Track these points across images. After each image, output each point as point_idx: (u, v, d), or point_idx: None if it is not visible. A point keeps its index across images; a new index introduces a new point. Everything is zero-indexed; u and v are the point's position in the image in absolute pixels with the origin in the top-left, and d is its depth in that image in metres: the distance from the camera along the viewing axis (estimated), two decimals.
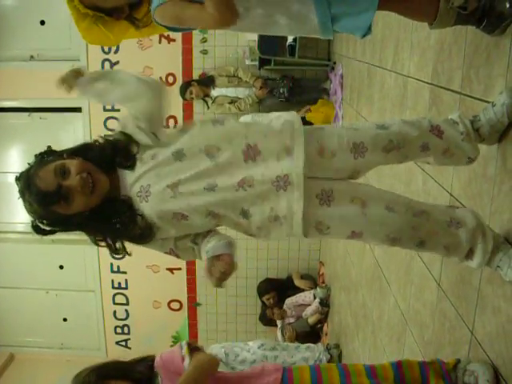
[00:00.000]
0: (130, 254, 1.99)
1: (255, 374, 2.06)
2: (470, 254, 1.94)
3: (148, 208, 1.89)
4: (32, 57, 7.10)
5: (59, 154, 1.94)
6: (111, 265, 7.71)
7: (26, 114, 7.30)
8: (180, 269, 7.62)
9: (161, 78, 7.00)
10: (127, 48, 6.88)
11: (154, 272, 7.64)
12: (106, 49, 6.91)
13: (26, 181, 1.87)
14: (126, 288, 7.87)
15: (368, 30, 2.00)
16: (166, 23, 2.06)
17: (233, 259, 1.84)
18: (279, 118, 1.97)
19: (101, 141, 2.01)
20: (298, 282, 7.13)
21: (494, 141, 2.00)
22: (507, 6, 1.87)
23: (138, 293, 7.84)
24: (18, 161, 7.18)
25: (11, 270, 7.81)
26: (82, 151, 1.97)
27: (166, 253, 2.06)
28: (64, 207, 1.85)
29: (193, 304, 7.83)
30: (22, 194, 1.88)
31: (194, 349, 2.08)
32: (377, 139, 1.91)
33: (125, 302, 7.96)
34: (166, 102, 2.07)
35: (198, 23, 2.03)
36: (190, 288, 7.75)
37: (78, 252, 7.67)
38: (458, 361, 2.10)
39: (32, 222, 1.92)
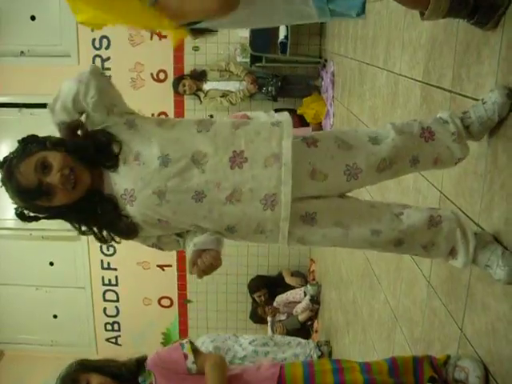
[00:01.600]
0: (118, 242, 1.99)
1: (252, 369, 2.06)
2: (453, 253, 1.95)
3: (133, 211, 1.88)
4: (22, 52, 7.07)
5: (42, 142, 1.90)
6: (101, 261, 7.69)
7: (17, 109, 7.27)
8: (171, 266, 7.62)
9: (152, 74, 7.00)
10: (118, 44, 6.87)
11: (145, 269, 7.63)
12: (98, 44, 6.89)
13: (8, 173, 1.84)
14: (117, 285, 7.85)
15: (362, 11, 1.98)
16: (171, 9, 2.01)
17: (220, 256, 1.86)
18: (268, 117, 1.97)
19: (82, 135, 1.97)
20: (288, 279, 7.14)
21: (481, 137, 2.01)
22: None
23: (128, 290, 7.83)
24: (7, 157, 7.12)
25: (1, 267, 7.78)
26: (64, 141, 1.93)
27: (148, 245, 2.06)
28: (46, 202, 1.84)
29: (183, 301, 7.83)
30: (4, 184, 1.86)
31: (195, 349, 2.07)
32: (370, 159, 1.89)
33: (115, 298, 7.95)
34: (106, 82, 1.98)
35: (199, 9, 1.96)
36: (180, 285, 7.76)
37: (68, 248, 7.65)
38: (449, 357, 2.11)
39: (16, 209, 1.90)
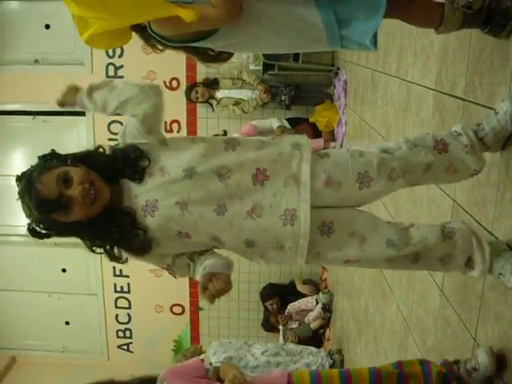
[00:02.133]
0: (125, 261, 2.02)
1: (262, 378, 2.07)
2: (470, 263, 1.93)
3: (152, 223, 1.89)
4: (37, 61, 7.13)
5: (63, 159, 1.93)
6: (114, 268, 7.71)
7: (30, 117, 7.32)
8: None
9: (164, 82, 7.02)
10: (131, 52, 6.91)
11: (157, 276, 7.62)
12: (111, 53, 6.93)
13: (28, 184, 1.85)
14: (129, 292, 7.87)
15: (373, 45, 2.01)
16: (163, 32, 2.04)
17: (230, 280, 1.86)
18: (290, 140, 1.98)
19: (109, 151, 2.00)
20: (300, 288, 7.12)
21: (498, 148, 2.00)
22: (510, 0, 1.88)
23: (140, 297, 7.84)
24: (21, 164, 7.17)
25: (13, 273, 7.82)
26: (86, 158, 1.95)
27: (162, 268, 2.08)
28: (62, 215, 1.85)
29: (195, 308, 7.83)
30: (22, 196, 1.87)
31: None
32: (381, 167, 1.90)
33: (127, 305, 7.96)
34: (162, 105, 2.09)
35: (203, 19, 1.98)
36: (192, 292, 7.75)
37: (80, 255, 7.63)
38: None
39: (28, 224, 1.91)
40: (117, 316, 8.03)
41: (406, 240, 1.92)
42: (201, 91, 6.63)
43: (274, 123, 6.43)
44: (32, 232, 1.92)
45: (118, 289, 7.85)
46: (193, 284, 7.70)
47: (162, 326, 7.83)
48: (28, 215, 1.89)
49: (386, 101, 3.95)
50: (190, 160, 1.90)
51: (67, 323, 8.19)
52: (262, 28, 2.05)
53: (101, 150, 2.01)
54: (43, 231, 1.92)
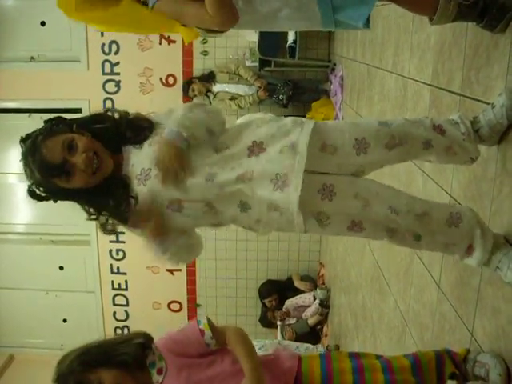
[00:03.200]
0: (119, 232, 2.04)
1: (270, 359, 1.99)
2: (469, 250, 1.93)
3: (144, 191, 1.90)
4: (32, 58, 7.10)
5: (69, 125, 1.95)
6: (111, 266, 7.71)
7: (27, 114, 7.29)
8: (180, 270, 7.62)
9: (161, 78, 7.01)
10: (127, 49, 6.90)
11: (154, 273, 7.63)
12: (107, 49, 6.92)
13: (33, 146, 1.88)
14: (126, 289, 7.87)
15: (367, 23, 2.00)
16: (168, 11, 2.06)
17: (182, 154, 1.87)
18: (294, 119, 1.97)
19: (116, 115, 2.01)
20: (298, 284, 7.13)
21: (494, 142, 2.01)
22: None
23: (137, 294, 7.84)
24: (18, 162, 7.13)
25: (11, 271, 7.80)
26: (92, 123, 1.97)
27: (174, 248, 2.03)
28: (64, 181, 1.88)
29: (193, 305, 7.83)
30: (25, 158, 1.91)
31: (212, 325, 2.01)
32: (379, 134, 1.91)
33: (125, 303, 7.96)
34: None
35: (198, 22, 2.02)
36: (190, 289, 7.76)
37: (78, 253, 7.67)
38: (468, 351, 2.07)
39: (29, 186, 1.93)
40: (115, 313, 8.02)
41: (410, 207, 1.91)
42: (197, 88, 6.61)
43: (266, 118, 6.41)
44: (31, 193, 1.94)
45: (116, 286, 7.85)
46: (190, 281, 7.70)
47: (160, 322, 7.79)
48: (29, 177, 1.91)
49: (382, 96, 3.95)
50: (187, 128, 1.92)
51: (65, 321, 8.18)
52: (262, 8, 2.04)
53: (109, 113, 2.03)
54: (42, 194, 1.94)
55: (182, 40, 6.67)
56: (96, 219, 1.98)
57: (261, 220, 1.96)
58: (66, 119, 1.99)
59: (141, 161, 1.92)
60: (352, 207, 1.88)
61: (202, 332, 1.93)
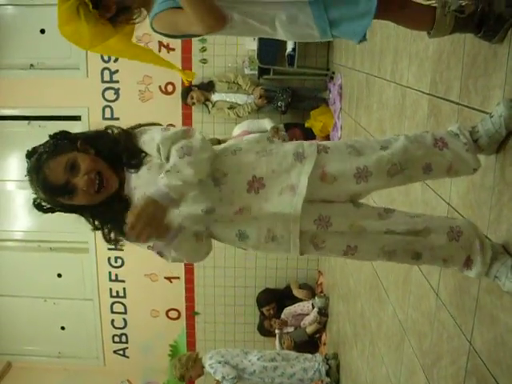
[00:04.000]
0: (121, 245, 2.03)
1: None
2: (468, 263, 1.94)
3: None
4: (32, 65, 7.12)
5: (73, 140, 1.96)
6: (109, 273, 7.69)
7: (26, 122, 7.30)
8: (178, 278, 7.62)
9: (160, 86, 7.03)
10: None
11: (153, 281, 7.62)
12: (106, 57, 6.93)
13: (36, 166, 1.89)
14: (124, 297, 7.85)
15: (364, 37, 2.01)
16: (165, 31, 2.09)
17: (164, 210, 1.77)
18: (295, 149, 1.95)
19: (115, 131, 2.02)
20: (296, 292, 7.11)
21: (493, 151, 2.01)
22: (504, 6, 1.89)
23: (136, 301, 7.82)
24: (17, 169, 7.17)
25: (9, 278, 7.79)
26: (95, 140, 1.98)
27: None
28: (67, 200, 1.90)
29: (191, 313, 7.81)
30: (30, 175, 1.92)
31: None
32: (381, 163, 1.90)
33: (123, 310, 7.94)
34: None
35: (190, 28, 2.03)
36: (188, 297, 7.75)
37: (76, 260, 7.66)
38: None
39: (34, 199, 1.95)
40: (113, 321, 8.01)
41: (410, 226, 1.92)
42: (196, 96, 6.63)
43: (267, 124, 6.41)
44: (37, 206, 1.96)
45: (114, 294, 7.83)
46: (189, 288, 7.70)
47: (158, 330, 7.81)
48: (34, 191, 1.94)
49: (381, 105, 3.96)
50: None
51: (63, 328, 8.16)
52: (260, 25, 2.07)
53: (109, 131, 2.03)
54: (47, 207, 1.97)
55: (182, 48, 6.72)
56: (100, 230, 2.00)
57: (258, 248, 1.99)
58: (70, 134, 2.01)
59: (142, 185, 1.91)
60: (347, 234, 1.91)
61: None
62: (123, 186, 1.95)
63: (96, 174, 1.88)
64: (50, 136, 1.99)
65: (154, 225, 1.72)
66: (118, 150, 1.95)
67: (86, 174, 1.87)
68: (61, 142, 1.96)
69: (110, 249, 7.26)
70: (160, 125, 2.06)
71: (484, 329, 2.07)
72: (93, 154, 1.94)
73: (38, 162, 1.90)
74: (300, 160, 1.91)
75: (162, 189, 1.75)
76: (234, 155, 1.96)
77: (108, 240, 2.00)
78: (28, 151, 1.97)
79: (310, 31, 2.04)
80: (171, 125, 6.96)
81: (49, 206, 1.95)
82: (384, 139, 2.01)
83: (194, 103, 6.71)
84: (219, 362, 5.19)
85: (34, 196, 1.95)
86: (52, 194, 1.90)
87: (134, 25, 2.23)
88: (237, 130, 6.46)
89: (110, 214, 1.94)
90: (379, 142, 1.98)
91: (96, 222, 1.99)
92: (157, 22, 2.03)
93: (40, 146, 1.96)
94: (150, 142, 1.94)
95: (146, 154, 1.95)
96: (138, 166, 1.93)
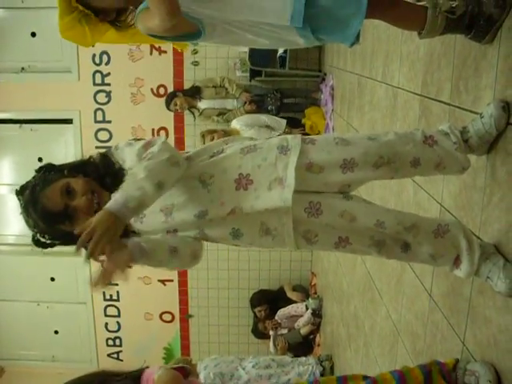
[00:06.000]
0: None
1: None
2: (457, 263, 1.95)
3: (141, 228, 1.96)
4: (23, 69, 7.09)
5: (60, 170, 1.97)
6: None
7: (17, 125, 7.28)
8: (172, 280, 7.61)
9: (152, 89, 7.02)
10: (118, 59, 6.91)
11: (146, 284, 7.60)
12: (98, 60, 6.92)
13: (32, 198, 1.89)
14: (118, 300, 7.83)
15: (356, 39, 2.01)
16: (144, 31, 2.06)
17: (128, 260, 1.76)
18: (279, 142, 1.96)
19: (96, 158, 2.02)
20: (290, 294, 7.11)
21: (483, 152, 2.02)
22: (493, 7, 1.89)
23: (129, 305, 7.80)
24: (8, 173, 7.16)
25: (2, 282, 7.76)
26: (80, 168, 1.99)
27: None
28: (68, 226, 1.88)
29: (185, 316, 7.80)
30: (26, 210, 1.91)
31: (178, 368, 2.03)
32: (368, 155, 1.90)
33: (116, 313, 7.92)
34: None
35: (153, 22, 1.99)
36: (181, 300, 7.74)
37: (69, 264, 7.62)
38: (457, 361, 2.07)
39: (33, 235, 1.94)
40: (106, 324, 7.98)
41: (399, 219, 1.92)
42: (179, 102, 6.57)
43: (266, 119, 6.36)
44: (36, 242, 1.95)
45: (108, 297, 7.81)
46: (182, 291, 7.68)
47: (152, 333, 7.80)
48: (32, 227, 1.92)
49: (372, 106, 3.97)
50: None
51: (56, 332, 8.13)
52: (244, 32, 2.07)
53: (92, 159, 2.03)
54: (48, 241, 1.95)
55: (173, 50, 6.72)
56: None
57: (253, 243, 2.00)
58: (55, 165, 2.01)
59: None
60: (338, 224, 1.91)
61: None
62: None
63: (91, 193, 1.90)
64: (36, 171, 1.99)
65: (107, 239, 1.64)
66: (102, 173, 1.96)
67: (84, 195, 1.88)
68: (48, 173, 1.95)
69: None
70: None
71: (477, 329, 2.07)
72: (82, 177, 1.94)
73: (32, 194, 1.90)
74: (284, 153, 1.92)
75: (118, 199, 1.69)
76: (216, 157, 1.97)
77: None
78: (17, 190, 1.96)
79: (293, 37, 2.05)
80: (163, 128, 7.03)
81: (49, 239, 1.94)
82: (373, 133, 2.02)
83: (176, 110, 6.67)
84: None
85: (33, 233, 1.94)
86: (53, 221, 1.89)
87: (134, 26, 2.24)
88: (236, 124, 6.43)
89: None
90: (368, 135, 1.99)
91: None
92: (137, 23, 2.03)
93: (29, 181, 1.96)
94: (124, 162, 1.97)
95: (123, 175, 1.94)
96: (119, 186, 1.90)
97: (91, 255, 1.65)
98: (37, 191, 1.89)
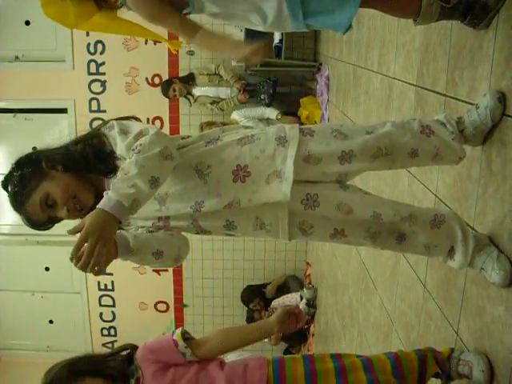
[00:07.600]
0: None
1: (238, 374, 1.96)
2: (451, 254, 1.95)
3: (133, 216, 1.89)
4: (17, 57, 7.06)
5: (37, 162, 1.90)
6: None
7: (11, 114, 7.25)
8: (166, 270, 7.61)
9: (147, 78, 6.99)
10: (113, 49, 6.88)
11: (141, 273, 7.61)
12: (92, 49, 6.89)
13: (16, 207, 1.90)
14: (113, 290, 7.83)
15: (349, 27, 2.00)
16: (140, 15, 2.05)
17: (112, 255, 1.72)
18: (277, 133, 1.94)
19: (80, 147, 1.93)
20: (268, 292, 7.20)
21: (478, 142, 2.02)
22: None
23: (124, 294, 7.81)
24: (3, 162, 7.12)
25: None
26: (62, 157, 1.92)
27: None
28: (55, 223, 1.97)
29: (180, 305, 7.81)
30: (14, 210, 1.92)
31: (188, 337, 2.00)
32: (366, 147, 1.90)
33: (111, 303, 7.93)
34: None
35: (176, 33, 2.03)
36: (176, 289, 7.75)
37: (63, 253, 7.51)
38: (452, 350, 2.07)
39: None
40: (101, 314, 8.00)
41: (396, 210, 1.92)
42: (178, 88, 6.56)
43: (270, 113, 6.37)
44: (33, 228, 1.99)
45: (102, 287, 7.81)
46: (177, 281, 7.69)
47: (147, 323, 7.80)
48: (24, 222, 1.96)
49: (368, 96, 3.96)
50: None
51: (51, 322, 8.14)
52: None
53: (75, 148, 1.95)
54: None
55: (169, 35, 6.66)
56: None
57: (246, 235, 2.01)
58: (32, 156, 1.94)
59: None
60: (334, 216, 1.90)
61: (175, 342, 1.93)
62: (102, 193, 1.76)
63: (72, 199, 1.88)
64: (12, 168, 1.93)
65: (102, 242, 1.57)
66: (90, 162, 1.89)
67: (65, 205, 1.87)
68: (26, 170, 1.90)
69: None
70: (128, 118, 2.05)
71: (470, 320, 2.08)
72: (61, 171, 1.89)
73: (15, 204, 1.90)
74: (283, 144, 1.91)
75: (112, 198, 1.60)
76: (213, 145, 1.93)
77: None
78: (1, 181, 1.96)
79: (284, 19, 2.03)
80: (159, 117, 7.00)
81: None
82: (370, 125, 2.01)
83: (175, 96, 6.65)
84: None
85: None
86: (39, 228, 1.95)
87: (118, 7, 2.22)
88: (235, 116, 6.43)
89: None
90: (365, 127, 1.99)
91: None
92: (133, 1, 2.02)
93: (7, 177, 1.93)
94: (115, 145, 1.90)
95: (115, 158, 1.88)
96: (113, 171, 1.87)
97: (84, 267, 1.56)
98: (18, 202, 1.88)
